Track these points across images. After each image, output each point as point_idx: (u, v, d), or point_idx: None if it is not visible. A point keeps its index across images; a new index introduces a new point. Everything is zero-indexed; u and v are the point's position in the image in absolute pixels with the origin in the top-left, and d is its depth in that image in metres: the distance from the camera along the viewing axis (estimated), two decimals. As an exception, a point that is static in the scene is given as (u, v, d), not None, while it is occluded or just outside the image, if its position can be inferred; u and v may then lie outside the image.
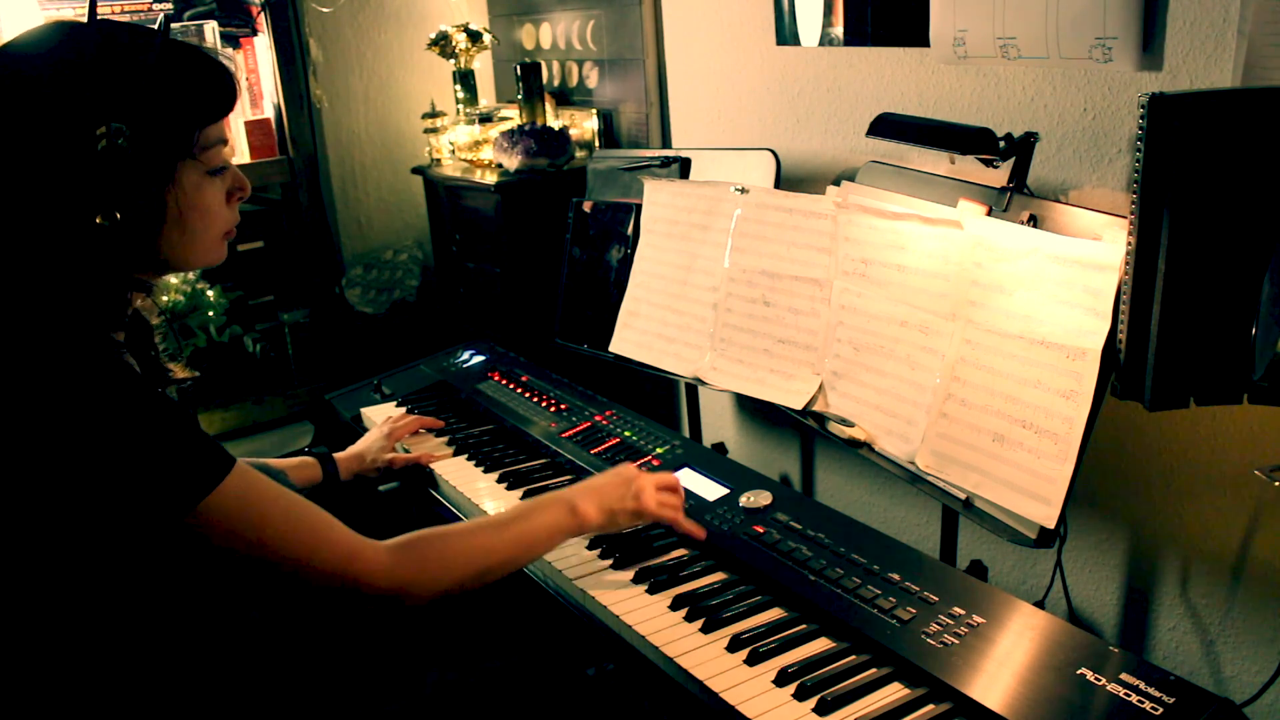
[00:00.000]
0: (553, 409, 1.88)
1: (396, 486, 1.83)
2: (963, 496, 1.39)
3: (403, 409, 1.97)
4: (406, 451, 1.80)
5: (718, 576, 1.35)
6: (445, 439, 1.83)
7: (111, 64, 0.98)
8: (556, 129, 2.60)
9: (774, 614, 1.26)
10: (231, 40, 2.80)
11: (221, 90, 1.07)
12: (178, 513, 1.00)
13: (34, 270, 0.99)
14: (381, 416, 1.93)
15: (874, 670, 1.13)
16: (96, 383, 0.97)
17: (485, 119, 2.81)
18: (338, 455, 1.72)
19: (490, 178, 2.56)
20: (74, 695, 1.05)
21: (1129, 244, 1.16)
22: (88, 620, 1.06)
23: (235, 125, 2.79)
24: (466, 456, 1.77)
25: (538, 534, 1.28)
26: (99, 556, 1.02)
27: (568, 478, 1.60)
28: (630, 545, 1.42)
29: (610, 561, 1.39)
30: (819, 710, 1.07)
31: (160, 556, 1.06)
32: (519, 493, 1.64)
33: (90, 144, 0.96)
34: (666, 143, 2.50)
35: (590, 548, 1.43)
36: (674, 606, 1.27)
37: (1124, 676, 1.04)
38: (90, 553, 1.02)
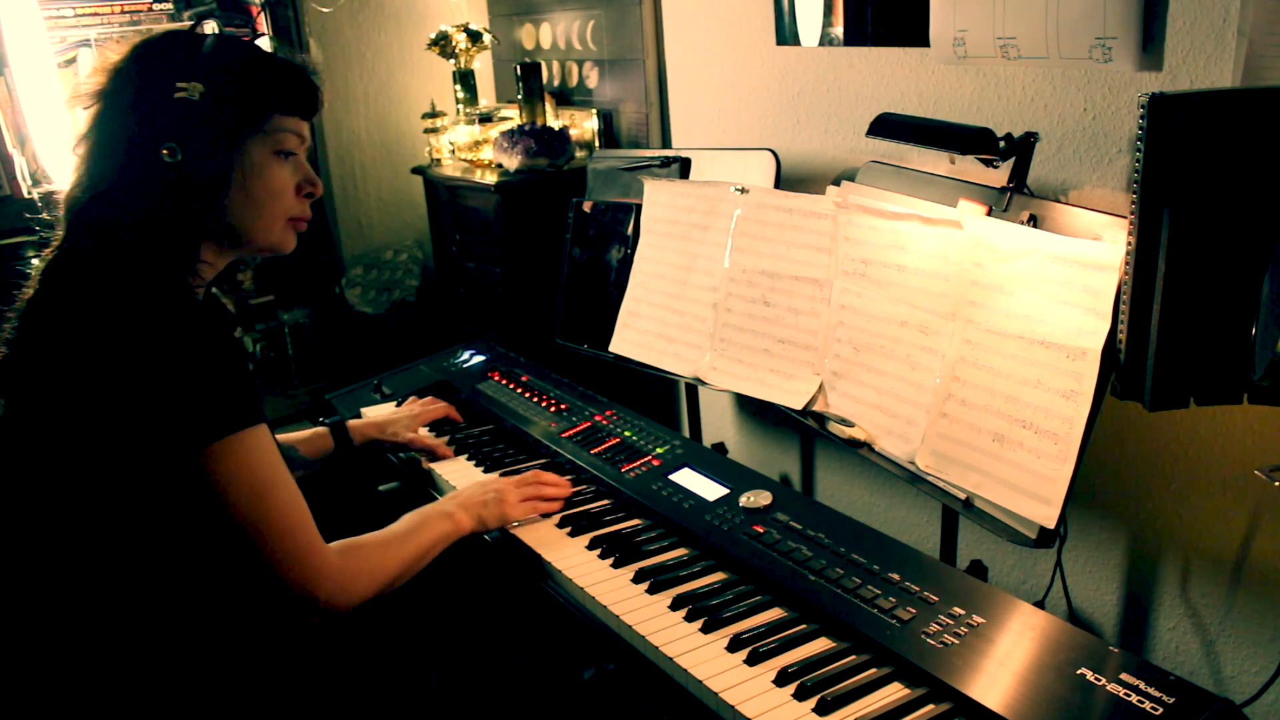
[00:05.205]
0: (553, 409, 1.88)
1: (396, 487, 1.83)
2: (963, 496, 1.39)
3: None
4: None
5: (718, 576, 1.35)
6: (445, 438, 1.83)
7: (208, 48, 1.21)
8: (556, 129, 2.60)
9: (774, 614, 1.26)
10: (231, 40, 2.80)
11: (297, 86, 1.26)
12: (201, 441, 1.08)
13: (116, 205, 1.16)
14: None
15: (874, 670, 1.13)
16: (161, 310, 1.10)
17: (485, 119, 2.81)
18: (353, 422, 1.80)
19: (490, 178, 2.56)
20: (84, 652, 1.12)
21: (1129, 244, 1.16)
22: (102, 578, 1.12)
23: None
24: (466, 456, 1.77)
25: (431, 543, 1.37)
26: (120, 486, 1.10)
27: (567, 478, 1.60)
28: (629, 545, 1.42)
29: (610, 561, 1.39)
30: (819, 710, 1.07)
31: (169, 497, 1.11)
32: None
33: (170, 93, 1.16)
34: (666, 143, 2.50)
35: (590, 548, 1.43)
36: (674, 606, 1.27)
37: (1124, 676, 1.04)
38: (113, 480, 1.09)
